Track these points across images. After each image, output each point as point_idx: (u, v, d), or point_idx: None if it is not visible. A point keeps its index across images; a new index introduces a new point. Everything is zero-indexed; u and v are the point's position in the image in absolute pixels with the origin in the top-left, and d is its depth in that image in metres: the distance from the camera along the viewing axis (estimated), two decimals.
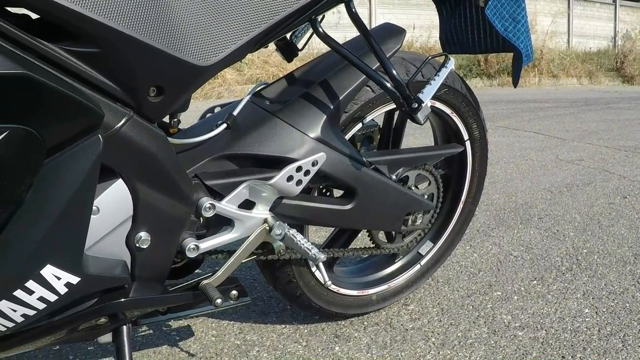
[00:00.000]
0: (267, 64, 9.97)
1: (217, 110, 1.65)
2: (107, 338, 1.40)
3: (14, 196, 1.00)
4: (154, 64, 1.16)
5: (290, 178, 1.44)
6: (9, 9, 1.09)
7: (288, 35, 1.63)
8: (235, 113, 1.50)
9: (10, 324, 1.13)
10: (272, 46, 1.60)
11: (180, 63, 1.19)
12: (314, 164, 1.46)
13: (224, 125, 1.47)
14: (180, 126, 1.45)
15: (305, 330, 1.90)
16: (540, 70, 12.86)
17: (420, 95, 1.54)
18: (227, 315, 1.99)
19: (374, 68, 1.53)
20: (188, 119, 1.51)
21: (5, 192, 0.98)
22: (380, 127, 1.82)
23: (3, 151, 0.94)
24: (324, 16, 1.52)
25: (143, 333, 1.88)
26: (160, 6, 1.15)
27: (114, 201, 1.20)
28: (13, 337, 1.21)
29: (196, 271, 1.53)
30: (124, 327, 1.37)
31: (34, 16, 1.09)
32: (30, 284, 1.10)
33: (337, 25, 8.81)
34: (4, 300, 1.09)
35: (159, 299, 1.36)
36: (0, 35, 0.98)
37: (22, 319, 1.14)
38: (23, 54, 0.99)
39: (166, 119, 1.37)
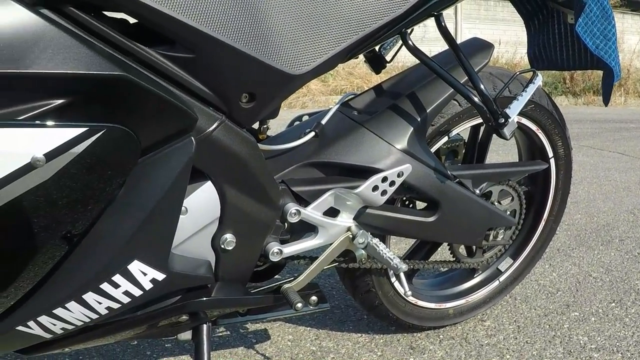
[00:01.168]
0: (352, 75, 9.99)
1: (305, 118, 1.67)
2: (186, 335, 1.43)
3: (107, 193, 1.03)
4: (247, 71, 1.19)
5: (375, 188, 1.45)
6: (108, 14, 1.13)
7: (377, 48, 1.65)
8: (323, 122, 1.52)
9: (95, 316, 1.16)
10: (359, 57, 1.61)
11: (273, 71, 1.21)
12: (399, 175, 1.47)
13: (312, 134, 1.49)
14: (268, 133, 1.47)
15: (381, 341, 1.90)
16: (626, 89, 12.56)
17: (507, 111, 1.53)
18: (304, 321, 2.01)
19: (462, 82, 1.53)
20: (274, 127, 1.53)
21: (99, 189, 1.01)
22: (466, 141, 1.82)
23: (99, 149, 0.97)
24: (412, 29, 1.53)
25: (220, 333, 1.91)
26: (255, 14, 1.17)
27: (202, 202, 1.23)
28: (96, 329, 1.25)
29: (275, 276, 1.55)
30: (204, 325, 1.40)
31: (132, 21, 1.12)
32: (117, 278, 1.13)
33: (423, 39, 8.81)
34: (90, 292, 1.12)
35: (241, 299, 1.39)
36: (100, 39, 1.02)
37: (107, 312, 1.17)
38: (121, 56, 1.02)
39: (255, 125, 1.39)
